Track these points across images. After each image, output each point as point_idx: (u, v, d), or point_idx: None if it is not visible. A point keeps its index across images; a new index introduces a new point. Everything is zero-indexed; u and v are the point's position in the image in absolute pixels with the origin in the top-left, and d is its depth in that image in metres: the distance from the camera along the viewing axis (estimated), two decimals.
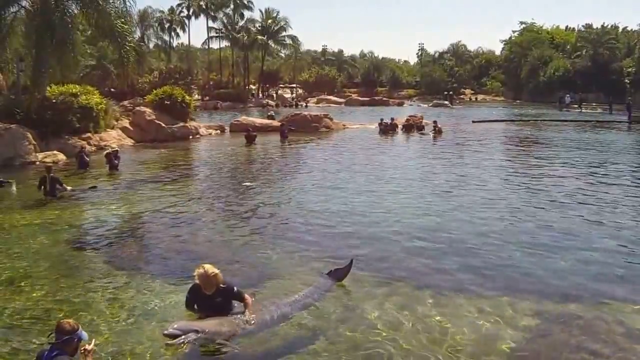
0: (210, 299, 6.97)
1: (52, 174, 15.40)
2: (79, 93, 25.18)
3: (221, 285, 6.99)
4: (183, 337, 6.32)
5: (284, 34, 77.80)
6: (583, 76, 72.30)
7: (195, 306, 7.19)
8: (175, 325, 6.44)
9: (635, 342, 7.02)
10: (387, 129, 34.13)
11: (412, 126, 35.48)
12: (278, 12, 77.17)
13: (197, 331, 6.44)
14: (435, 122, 34.51)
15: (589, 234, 11.73)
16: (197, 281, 6.98)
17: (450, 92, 79.05)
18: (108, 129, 27.17)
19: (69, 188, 15.68)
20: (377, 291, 8.52)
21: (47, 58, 23.56)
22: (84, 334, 5.33)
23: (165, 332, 6.36)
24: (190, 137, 31.24)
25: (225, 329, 6.74)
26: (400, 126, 35.48)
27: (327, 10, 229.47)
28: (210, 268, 6.95)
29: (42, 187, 15.20)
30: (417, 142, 31.10)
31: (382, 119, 35.52)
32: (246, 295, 7.23)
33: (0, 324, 7.28)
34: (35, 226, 12.27)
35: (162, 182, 17.89)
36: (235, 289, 7.15)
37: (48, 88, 24.77)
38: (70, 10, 24.79)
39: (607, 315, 7.73)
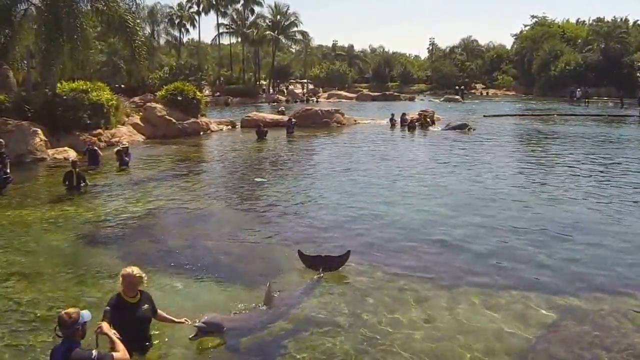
0: (137, 307, 6.16)
1: (78, 170, 15.72)
2: (89, 89, 25.29)
3: (140, 289, 6.27)
4: (210, 332, 6.44)
5: (294, 29, 77.80)
6: (594, 70, 71.61)
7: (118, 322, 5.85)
8: (205, 319, 6.49)
9: None
10: (410, 125, 33.78)
11: (420, 121, 35.26)
12: (288, 7, 77.24)
13: (223, 327, 6.54)
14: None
15: (604, 228, 11.62)
16: (119, 290, 6.22)
17: (462, 87, 78.60)
18: (119, 125, 27.21)
19: (89, 183, 16.03)
20: (388, 284, 8.52)
21: (57, 54, 23.57)
22: (86, 314, 5.17)
23: (196, 324, 6.40)
24: (201, 132, 31.30)
25: (251, 323, 6.86)
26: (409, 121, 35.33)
27: (338, 5, 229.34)
28: (137, 269, 6.21)
29: (68, 181, 15.54)
30: (429, 137, 30.86)
31: (392, 114, 35.36)
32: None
33: (11, 319, 7.33)
34: (47, 222, 12.31)
35: (174, 178, 17.96)
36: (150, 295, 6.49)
37: (59, 84, 24.84)
38: (79, 6, 24.79)
39: (621, 310, 7.67)
